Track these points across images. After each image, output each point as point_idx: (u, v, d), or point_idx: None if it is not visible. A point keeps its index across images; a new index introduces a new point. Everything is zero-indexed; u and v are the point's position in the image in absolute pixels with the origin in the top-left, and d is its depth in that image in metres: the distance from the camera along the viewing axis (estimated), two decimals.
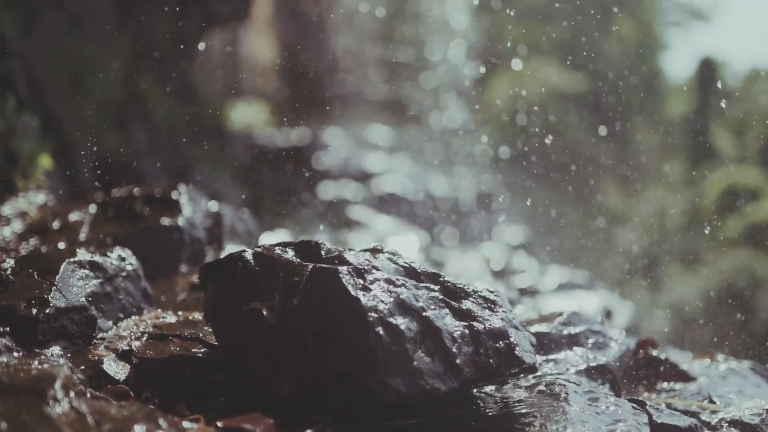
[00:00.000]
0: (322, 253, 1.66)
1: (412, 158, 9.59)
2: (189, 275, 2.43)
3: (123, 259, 1.98)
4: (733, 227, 21.33)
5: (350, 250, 1.73)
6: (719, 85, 26.44)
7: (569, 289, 4.42)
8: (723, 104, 27.41)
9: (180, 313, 1.95)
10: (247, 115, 9.76)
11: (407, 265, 1.67)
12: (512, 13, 20.36)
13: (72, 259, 1.84)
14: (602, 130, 21.03)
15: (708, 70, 25.36)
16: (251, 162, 7.32)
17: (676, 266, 22.14)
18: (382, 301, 1.48)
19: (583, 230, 21.00)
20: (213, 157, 6.63)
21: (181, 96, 7.32)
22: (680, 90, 27.56)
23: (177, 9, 7.89)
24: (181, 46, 7.88)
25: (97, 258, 1.89)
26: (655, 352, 2.25)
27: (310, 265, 1.58)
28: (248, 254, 1.65)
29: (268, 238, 3.49)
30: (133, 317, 1.92)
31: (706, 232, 22.44)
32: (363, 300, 1.46)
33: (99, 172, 5.09)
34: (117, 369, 1.61)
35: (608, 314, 4.06)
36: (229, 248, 2.80)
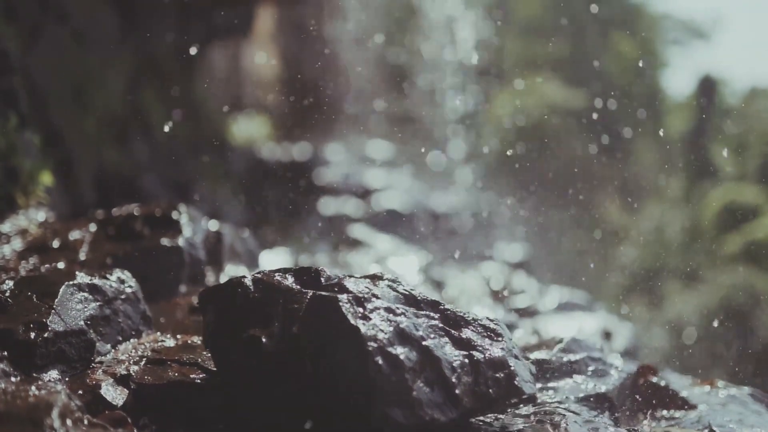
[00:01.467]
0: (322, 280, 1.66)
1: (413, 174, 9.59)
2: (188, 296, 2.43)
3: (122, 282, 1.98)
4: (733, 245, 21.34)
5: (350, 276, 1.73)
6: (719, 102, 26.53)
7: (568, 310, 4.41)
8: (723, 122, 27.50)
9: (179, 336, 1.94)
10: (249, 130, 9.78)
11: (407, 293, 1.67)
12: (514, 31, 20.46)
13: (71, 282, 1.83)
14: (602, 147, 21.08)
15: (708, 87, 25.46)
16: (252, 177, 7.32)
17: (676, 284, 22.11)
18: (382, 330, 1.48)
19: (583, 247, 20.98)
20: (214, 172, 6.63)
21: (183, 110, 7.33)
22: (680, 107, 27.65)
23: (179, 23, 7.92)
24: (183, 61, 7.91)
25: (97, 281, 1.89)
26: (655, 379, 2.24)
27: (310, 293, 1.57)
28: (248, 280, 1.65)
29: (268, 258, 3.48)
30: (131, 340, 1.91)
31: (706, 249, 22.44)
32: (362, 329, 1.46)
33: (100, 187, 5.09)
34: (115, 394, 1.60)
35: (607, 336, 4.05)
36: (229, 268, 2.80)
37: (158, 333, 2.00)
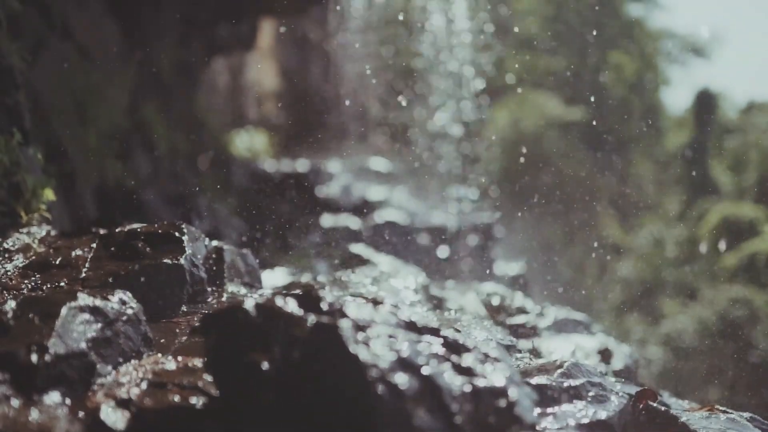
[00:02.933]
0: (323, 305, 1.66)
1: (412, 189, 9.62)
2: (189, 315, 2.43)
3: (124, 303, 1.98)
4: (730, 260, 21.34)
5: (351, 300, 1.73)
6: (718, 117, 26.61)
7: (567, 328, 4.41)
8: (722, 136, 27.57)
9: (180, 358, 1.95)
10: (249, 144, 9.81)
11: (408, 320, 1.68)
12: (513, 45, 20.56)
13: (73, 304, 1.84)
14: (600, 162, 21.11)
15: (706, 102, 25.55)
16: (253, 192, 7.34)
17: (674, 300, 22.10)
18: (383, 358, 1.48)
19: (581, 263, 21.00)
20: (215, 186, 6.65)
21: (185, 125, 7.36)
22: (678, 122, 27.73)
23: (182, 38, 7.97)
24: (186, 75, 7.95)
25: (98, 302, 1.90)
26: (654, 404, 2.24)
27: (311, 319, 1.58)
28: (249, 305, 1.66)
29: (269, 276, 3.49)
30: (132, 362, 1.92)
31: (704, 265, 22.43)
32: (363, 357, 1.46)
33: (101, 201, 5.10)
34: (115, 418, 1.60)
35: (606, 356, 4.04)
36: (230, 287, 2.80)
37: (159, 354, 2.01)
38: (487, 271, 8.23)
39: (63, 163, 4.88)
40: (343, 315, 1.61)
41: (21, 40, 4.54)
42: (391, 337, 1.57)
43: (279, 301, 1.65)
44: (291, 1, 10.03)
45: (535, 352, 3.89)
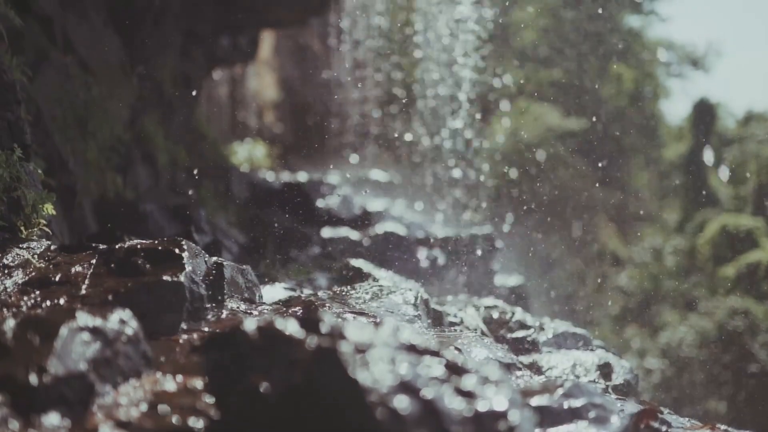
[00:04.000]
0: (322, 328, 1.66)
1: (412, 200, 9.62)
2: (189, 333, 2.43)
3: (123, 322, 1.98)
4: (729, 271, 21.32)
5: (351, 319, 1.73)
6: (715, 128, 26.66)
7: (566, 342, 4.40)
8: (720, 146, 27.61)
9: (180, 378, 1.94)
10: (249, 156, 9.82)
11: (408, 342, 1.67)
12: (514, 57, 20.62)
13: (72, 324, 1.83)
14: (600, 173, 21.14)
15: (704, 112, 25.60)
16: (252, 204, 7.34)
17: (673, 311, 22.07)
18: (383, 382, 1.48)
19: (580, 275, 20.98)
20: (215, 198, 6.66)
21: (185, 137, 7.38)
22: (677, 134, 27.78)
23: (183, 50, 7.99)
24: (186, 87, 7.97)
25: (98, 322, 1.89)
26: (656, 424, 2.23)
27: (311, 342, 1.58)
28: (249, 327, 1.66)
29: (269, 291, 3.49)
30: (132, 382, 1.91)
31: (703, 276, 22.42)
32: (362, 380, 1.46)
33: (102, 214, 5.11)
34: None
35: (606, 371, 4.03)
36: (230, 304, 2.80)
37: (159, 374, 2.00)
38: (487, 283, 8.22)
39: (63, 176, 4.88)
40: (344, 337, 1.61)
41: (22, 53, 4.56)
42: (391, 359, 1.57)
43: (279, 324, 1.65)
44: (291, 13, 10.08)
45: (535, 368, 3.88)
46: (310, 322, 1.71)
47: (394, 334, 1.71)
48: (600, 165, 21.08)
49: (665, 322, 21.74)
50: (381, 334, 1.69)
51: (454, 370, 1.65)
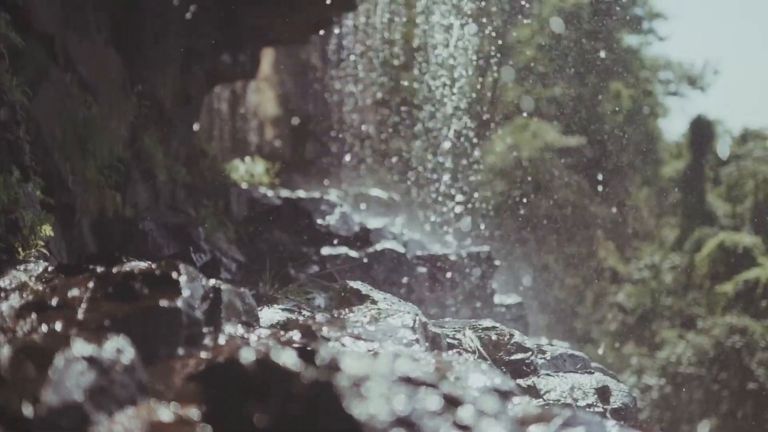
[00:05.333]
0: (319, 359, 1.66)
1: (411, 218, 9.63)
2: (186, 359, 2.41)
3: (119, 351, 1.97)
4: (727, 289, 21.31)
5: (349, 344, 1.73)
6: (713, 146, 26.75)
7: (564, 364, 4.39)
8: (717, 165, 27.68)
9: (176, 407, 1.93)
10: (249, 173, 9.84)
11: (405, 374, 1.67)
12: (512, 75, 20.70)
13: (68, 353, 1.83)
14: (598, 191, 21.18)
15: (701, 131, 25.69)
16: (252, 221, 7.35)
17: (671, 329, 22.02)
18: (379, 416, 1.48)
19: (578, 293, 20.95)
20: (214, 216, 6.66)
21: (185, 154, 7.39)
22: (674, 152, 27.86)
23: (183, 68, 8.02)
24: (186, 105, 7.99)
25: (94, 351, 1.89)
26: None
27: (307, 375, 1.58)
28: (246, 359, 1.65)
29: (267, 313, 3.49)
30: (127, 410, 1.90)
31: (701, 294, 22.40)
32: (358, 415, 1.46)
33: (101, 232, 5.11)
34: None
35: (605, 394, 4.02)
36: (228, 328, 2.79)
37: (155, 402, 1.99)
38: (486, 301, 8.21)
39: (63, 194, 4.89)
40: (339, 369, 1.61)
41: (23, 72, 4.57)
42: (387, 392, 1.56)
43: (275, 355, 1.65)
44: (291, 31, 10.13)
45: (533, 392, 3.86)
46: (306, 352, 1.71)
47: (391, 365, 1.71)
48: (598, 182, 21.12)
49: (664, 339, 21.71)
50: (378, 365, 1.69)
51: (451, 401, 1.65)
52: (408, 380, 1.67)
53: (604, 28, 21.49)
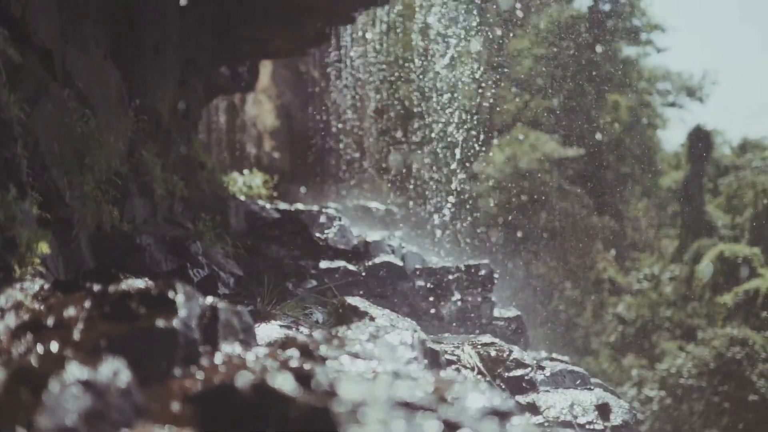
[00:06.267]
0: (314, 384, 1.65)
1: (410, 231, 9.61)
2: (182, 380, 2.40)
3: (115, 373, 1.96)
4: (727, 300, 21.28)
5: (348, 364, 1.71)
6: (711, 156, 26.79)
7: (564, 381, 4.36)
8: (716, 175, 27.71)
9: (172, 430, 1.91)
10: (247, 186, 9.83)
11: (402, 399, 1.66)
12: (511, 86, 20.76)
13: (62, 377, 1.81)
14: (597, 202, 21.19)
15: (700, 141, 25.73)
16: (250, 235, 7.33)
17: (672, 340, 21.97)
18: None
19: (579, 303, 20.92)
20: (212, 229, 6.64)
21: (183, 168, 7.38)
22: (673, 162, 27.89)
23: (182, 82, 8.03)
24: (185, 118, 8.00)
25: (89, 374, 1.87)
26: None
27: (303, 399, 1.56)
28: (242, 384, 1.64)
29: (265, 330, 3.47)
30: None
31: (701, 305, 22.37)
32: None
33: (98, 247, 5.09)
34: None
35: (605, 411, 4.00)
36: (225, 347, 2.77)
37: (151, 425, 1.97)
38: (485, 314, 8.19)
39: (60, 209, 4.87)
40: (336, 394, 1.59)
41: (22, 86, 4.57)
42: (385, 418, 1.55)
43: (271, 380, 1.63)
44: (289, 44, 10.15)
45: (533, 408, 3.84)
46: (303, 376, 1.69)
47: (389, 389, 1.69)
48: (597, 193, 21.13)
49: (664, 351, 21.65)
50: (375, 389, 1.67)
51: (450, 426, 1.63)
52: (406, 405, 1.66)
53: (602, 39, 21.57)
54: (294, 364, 2.61)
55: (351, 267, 7.31)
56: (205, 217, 6.79)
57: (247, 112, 14.46)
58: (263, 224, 7.82)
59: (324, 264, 7.27)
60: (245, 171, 10.98)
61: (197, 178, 7.90)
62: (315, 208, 9.02)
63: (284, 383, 1.64)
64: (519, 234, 17.39)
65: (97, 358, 2.01)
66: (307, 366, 2.43)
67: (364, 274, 7.24)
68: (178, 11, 7.85)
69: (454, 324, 7.58)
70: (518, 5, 20.35)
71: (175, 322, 2.48)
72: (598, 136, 21.82)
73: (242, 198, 9.17)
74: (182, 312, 2.55)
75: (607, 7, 23.76)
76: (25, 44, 4.99)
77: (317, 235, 7.61)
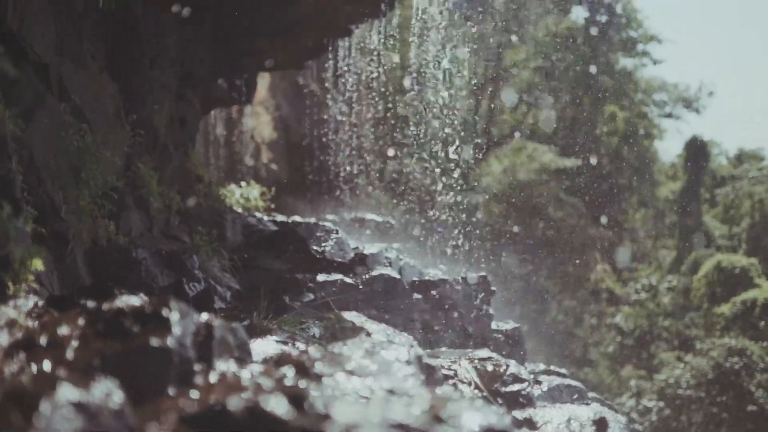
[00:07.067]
0: (307, 406, 1.63)
1: (407, 243, 9.60)
2: (177, 399, 2.38)
3: (108, 394, 1.94)
4: (725, 310, 21.27)
5: (343, 382, 1.70)
6: (708, 166, 26.86)
7: (561, 395, 4.35)
8: (713, 186, 27.77)
9: None
10: (244, 198, 9.83)
11: (398, 421, 1.64)
12: (509, 97, 20.83)
13: (54, 398, 1.80)
14: (595, 212, 21.21)
15: (696, 151, 25.80)
16: (247, 248, 7.32)
17: (670, 351, 21.93)
18: None
19: (577, 314, 20.90)
20: (209, 242, 6.63)
21: (180, 181, 7.38)
22: (670, 172, 27.95)
23: (179, 95, 8.04)
24: (182, 131, 8.00)
25: (81, 395, 1.86)
26: None
27: (296, 422, 1.55)
28: (236, 407, 1.63)
29: (261, 345, 3.46)
30: None
31: (698, 315, 22.36)
32: None
33: (94, 262, 5.07)
34: None
35: (602, 427, 3.99)
36: (220, 365, 2.75)
37: None
38: (483, 327, 8.17)
39: (56, 223, 4.86)
40: (330, 417, 1.58)
41: (18, 101, 4.57)
42: None
43: (264, 403, 1.62)
44: (287, 56, 10.18)
45: (530, 424, 3.82)
46: (297, 398, 1.68)
47: (384, 411, 1.68)
48: (595, 203, 21.16)
49: (662, 361, 21.61)
50: (370, 411, 1.66)
51: None
52: (400, 426, 1.64)
53: (599, 50, 21.66)
54: (289, 382, 2.59)
55: (348, 280, 7.29)
56: (201, 231, 6.78)
57: (244, 123, 14.48)
58: (260, 237, 7.80)
59: (321, 277, 7.25)
60: (243, 183, 10.98)
61: (194, 190, 7.90)
62: (312, 220, 9.01)
63: (277, 406, 1.63)
64: (517, 245, 17.39)
65: (90, 377, 1.99)
66: (302, 384, 2.41)
67: (361, 287, 7.22)
68: (175, 24, 7.87)
69: (452, 337, 7.56)
70: (516, 17, 20.46)
71: (169, 341, 2.47)
72: (595, 146, 21.87)
73: (239, 210, 9.16)
74: (176, 330, 2.53)
75: (603, 19, 23.86)
76: (22, 58, 4.99)
77: (314, 248, 7.60)
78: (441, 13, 11.65)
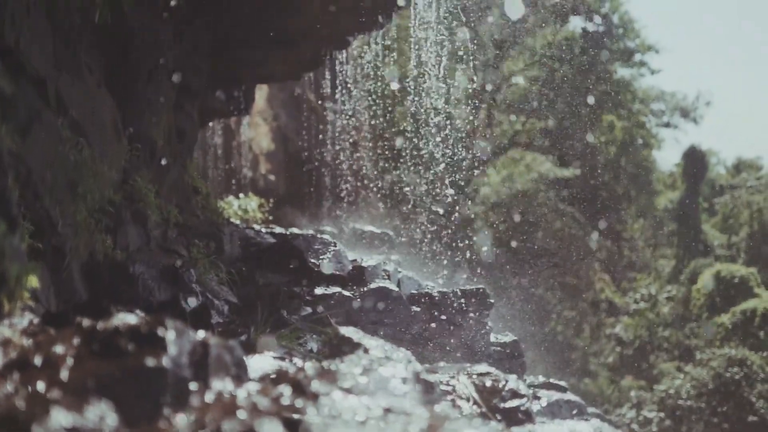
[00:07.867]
0: (302, 430, 1.62)
1: (405, 255, 9.59)
2: (172, 419, 2.36)
3: (101, 417, 1.92)
4: (725, 320, 21.24)
5: (340, 401, 1.68)
6: (707, 176, 26.89)
7: (561, 411, 4.32)
8: (711, 195, 27.80)
9: None
10: (242, 210, 9.82)
11: None
12: (505, 107, 20.86)
13: (47, 423, 1.78)
14: (593, 222, 21.20)
15: (695, 161, 25.84)
16: (244, 261, 7.30)
17: (670, 361, 21.88)
18: None
19: (576, 325, 20.86)
20: (206, 256, 6.61)
21: (177, 194, 7.37)
22: (668, 182, 27.98)
23: (176, 107, 8.04)
24: (179, 143, 7.99)
25: (74, 419, 1.84)
26: None
27: None
28: (229, 430, 1.61)
29: (258, 362, 3.44)
30: None
31: (697, 325, 22.32)
32: None
33: (91, 276, 5.05)
34: None
35: None
36: (216, 384, 2.73)
37: None
38: (481, 340, 8.14)
39: (53, 238, 4.84)
40: None
41: (15, 115, 4.56)
42: None
43: (259, 427, 1.60)
44: (285, 68, 10.19)
45: None
46: (291, 424, 1.66)
47: (380, 428, 1.66)
48: (593, 213, 21.16)
49: (662, 372, 21.55)
50: (368, 427, 1.64)
51: None
52: None
53: (596, 60, 21.71)
54: (286, 401, 2.57)
55: (346, 293, 7.27)
56: (199, 244, 6.76)
57: (242, 134, 14.48)
58: (258, 250, 7.78)
59: (319, 290, 7.23)
60: (241, 194, 10.98)
61: (192, 203, 7.89)
62: (310, 232, 9.00)
63: (272, 431, 1.61)
64: (515, 255, 17.37)
65: (84, 400, 1.98)
66: (298, 404, 2.39)
67: (359, 299, 7.20)
68: (172, 37, 7.88)
69: (451, 350, 7.54)
70: (513, 26, 20.51)
71: (165, 361, 2.45)
72: (593, 156, 21.89)
73: (237, 222, 9.15)
74: (172, 349, 2.51)
75: (601, 29, 23.95)
76: (18, 73, 4.98)
77: (312, 260, 7.58)
78: (438, 23, 11.69)
